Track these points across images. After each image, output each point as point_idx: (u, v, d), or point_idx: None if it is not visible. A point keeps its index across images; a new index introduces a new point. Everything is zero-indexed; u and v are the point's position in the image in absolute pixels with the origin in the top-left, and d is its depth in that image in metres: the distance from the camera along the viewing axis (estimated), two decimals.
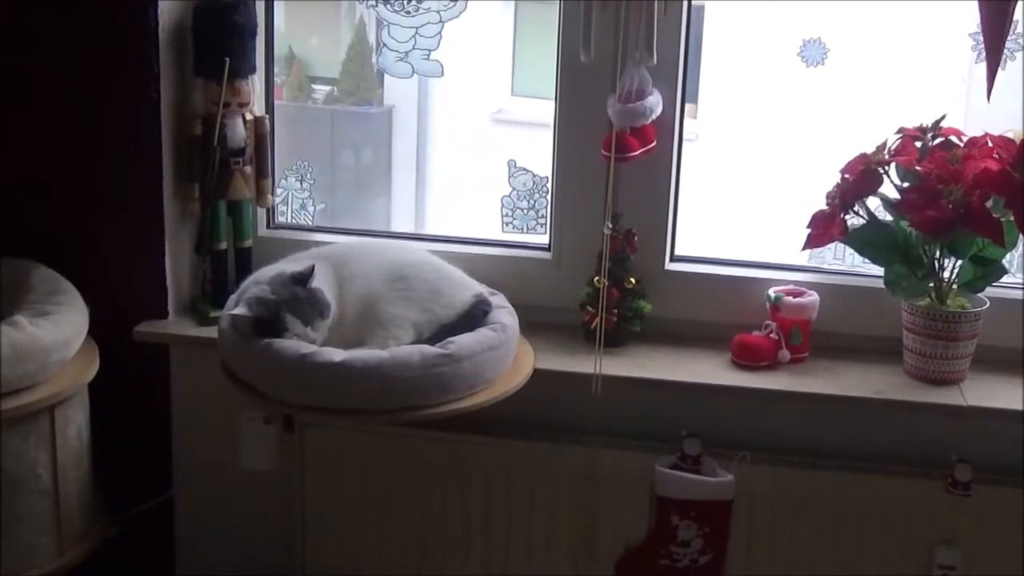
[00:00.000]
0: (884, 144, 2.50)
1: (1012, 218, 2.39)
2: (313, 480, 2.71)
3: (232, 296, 2.48)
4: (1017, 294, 2.64)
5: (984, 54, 2.27)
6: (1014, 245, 2.51)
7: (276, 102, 2.87)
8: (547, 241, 2.79)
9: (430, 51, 2.75)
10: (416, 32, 2.73)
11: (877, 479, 2.55)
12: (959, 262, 2.52)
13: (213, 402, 2.73)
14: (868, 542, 2.58)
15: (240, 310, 2.35)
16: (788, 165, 3.02)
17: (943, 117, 2.51)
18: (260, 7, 2.71)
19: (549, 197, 2.79)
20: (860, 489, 2.56)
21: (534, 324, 2.65)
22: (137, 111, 2.64)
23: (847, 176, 2.51)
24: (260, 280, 2.41)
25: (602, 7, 2.49)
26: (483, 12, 2.94)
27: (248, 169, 2.72)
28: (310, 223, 2.95)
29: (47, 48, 2.64)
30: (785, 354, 2.62)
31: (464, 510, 2.69)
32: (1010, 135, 2.47)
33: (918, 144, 2.50)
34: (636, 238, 2.67)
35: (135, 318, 2.73)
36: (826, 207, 2.53)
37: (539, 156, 2.79)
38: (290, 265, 2.44)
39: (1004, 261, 2.52)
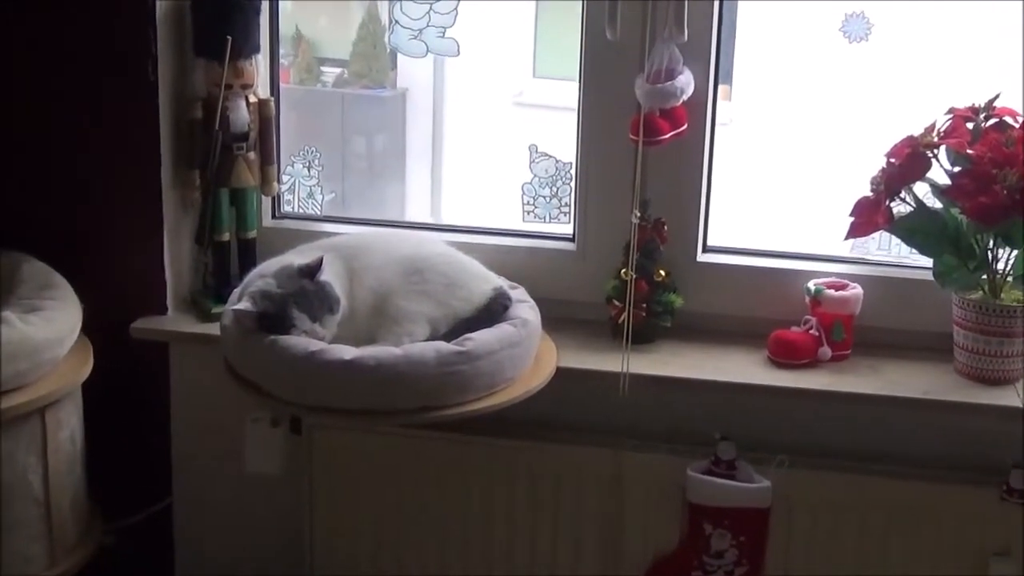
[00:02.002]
0: (933, 126, 2.48)
1: None
2: (322, 485, 2.71)
3: (235, 290, 2.49)
4: None
5: None
6: None
7: (282, 85, 2.88)
8: (571, 231, 2.79)
9: (445, 28, 2.74)
10: (430, 8, 2.73)
11: (926, 486, 2.53)
12: (1014, 252, 2.50)
13: (215, 403, 2.73)
14: (916, 553, 2.56)
15: (244, 305, 2.35)
16: (829, 149, 3.00)
17: (997, 96, 2.49)
18: None
19: (573, 184, 2.78)
20: (907, 496, 2.54)
21: (557, 319, 2.65)
22: (133, 94, 2.63)
23: (893, 160, 2.49)
24: (265, 273, 2.42)
25: None
26: None
27: (252, 155, 2.73)
28: (318, 213, 2.95)
29: (37, 28, 2.64)
30: (826, 351, 2.61)
31: (483, 518, 2.69)
32: None
33: (970, 125, 2.47)
34: (666, 228, 2.66)
35: (132, 314, 2.73)
36: (870, 194, 2.50)
37: (562, 141, 2.78)
38: (297, 257, 2.44)
39: None
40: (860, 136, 2.83)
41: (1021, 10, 2.56)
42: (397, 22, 2.75)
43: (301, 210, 2.95)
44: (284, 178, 2.90)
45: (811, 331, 2.62)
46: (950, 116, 2.49)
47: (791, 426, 2.62)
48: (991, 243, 2.49)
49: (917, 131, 2.48)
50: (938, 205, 2.52)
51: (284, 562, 2.83)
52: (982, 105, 2.48)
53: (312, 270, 2.37)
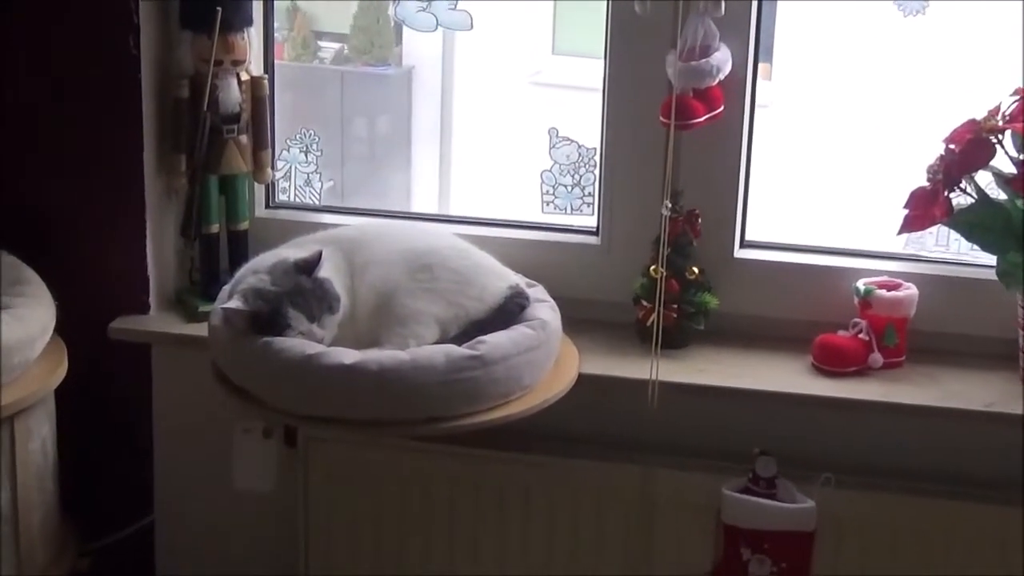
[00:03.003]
0: (997, 108, 2.46)
1: None
2: (319, 503, 2.71)
3: (225, 287, 2.49)
4: None
5: None
6: None
7: (276, 61, 2.88)
8: (595, 224, 2.79)
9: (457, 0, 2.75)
10: None
11: (986, 508, 2.52)
12: None
13: (202, 411, 2.73)
14: None
15: (234, 303, 2.34)
16: (881, 134, 3.03)
17: None
18: None
19: (597, 172, 2.78)
20: (966, 519, 2.52)
21: (579, 321, 2.64)
22: (113, 70, 2.62)
23: (953, 146, 2.48)
24: (258, 269, 2.41)
25: None
26: None
27: (244, 139, 2.73)
28: (316, 202, 2.96)
29: None
30: (877, 358, 2.60)
31: (496, 540, 2.68)
32: None
33: None
34: (700, 220, 2.65)
35: (110, 313, 2.73)
36: (927, 184, 2.50)
37: (585, 124, 2.77)
38: (293, 251, 2.45)
39: None
40: (916, 120, 2.82)
41: (1021, 10, 2.57)
42: None
43: (297, 199, 2.95)
44: (279, 164, 2.90)
45: (860, 335, 2.60)
46: (1017, 98, 2.47)
47: (838, 441, 2.61)
48: None
49: (979, 114, 2.47)
50: (1003, 196, 2.51)
51: None
52: None
53: (310, 265, 2.36)
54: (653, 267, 2.61)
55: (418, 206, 3.48)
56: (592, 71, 2.72)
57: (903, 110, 2.95)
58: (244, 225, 2.77)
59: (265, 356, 2.30)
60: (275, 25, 2.86)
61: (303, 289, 2.34)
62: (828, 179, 3.10)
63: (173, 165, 2.70)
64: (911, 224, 2.50)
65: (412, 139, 3.64)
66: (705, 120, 2.55)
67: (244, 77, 2.69)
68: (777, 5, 2.71)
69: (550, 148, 2.83)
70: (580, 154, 2.82)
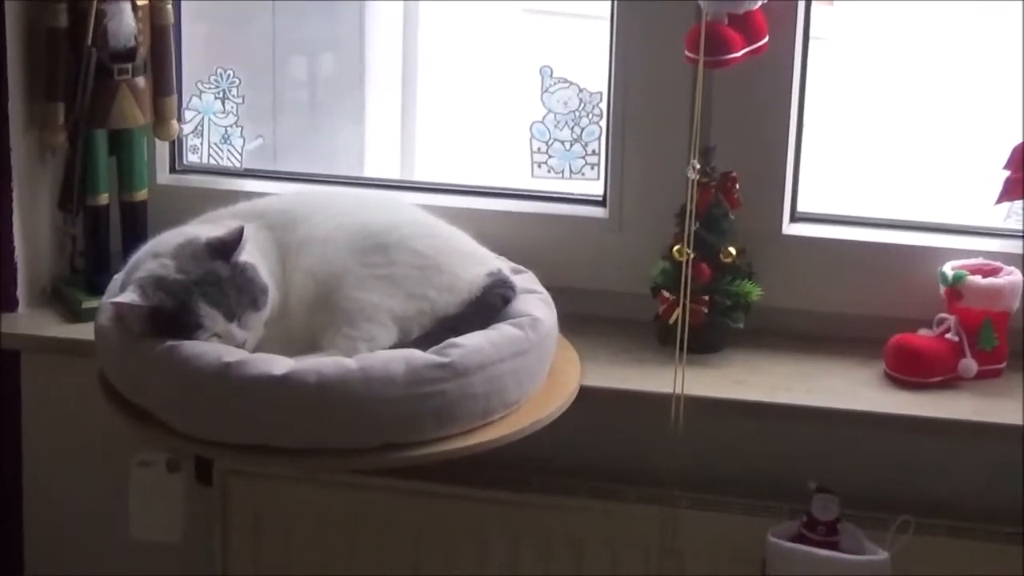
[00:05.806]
0: None
1: None
2: (240, 557, 2.73)
3: (117, 276, 2.51)
4: None
5: None
6: None
7: None
8: (601, 191, 2.81)
9: None
10: None
11: None
12: None
13: (87, 438, 2.77)
14: None
15: (129, 297, 2.33)
16: (974, 75, 3.05)
17: None
18: None
19: (604, 123, 2.79)
20: None
21: (581, 317, 2.67)
22: None
23: None
24: (160, 252, 2.41)
25: None
26: None
27: (141, 82, 2.76)
28: (238, 165, 2.97)
29: None
30: (969, 365, 2.60)
31: None
32: None
33: None
34: (737, 186, 2.66)
35: None
36: None
37: (588, 61, 2.79)
38: (206, 229, 2.45)
39: None
40: (1013, 57, 2.83)
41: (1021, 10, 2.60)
42: None
43: (212, 161, 2.96)
44: (188, 115, 2.92)
45: (948, 336, 2.61)
46: None
47: (918, 473, 2.63)
48: None
49: None
50: None
51: None
52: None
53: (227, 247, 2.36)
54: (677, 247, 2.60)
55: (372, 170, 3.47)
56: None
57: (996, 44, 2.96)
58: (142, 195, 2.80)
59: (169, 365, 2.29)
60: None
61: (219, 278, 2.33)
62: (904, 133, 3.09)
63: (48, 117, 2.72)
64: (1013, 190, 2.54)
65: (365, 83, 3.68)
66: (744, 55, 2.54)
67: (141, 1, 2.70)
68: None
69: (543, 93, 2.82)
70: (582, 100, 2.81)
